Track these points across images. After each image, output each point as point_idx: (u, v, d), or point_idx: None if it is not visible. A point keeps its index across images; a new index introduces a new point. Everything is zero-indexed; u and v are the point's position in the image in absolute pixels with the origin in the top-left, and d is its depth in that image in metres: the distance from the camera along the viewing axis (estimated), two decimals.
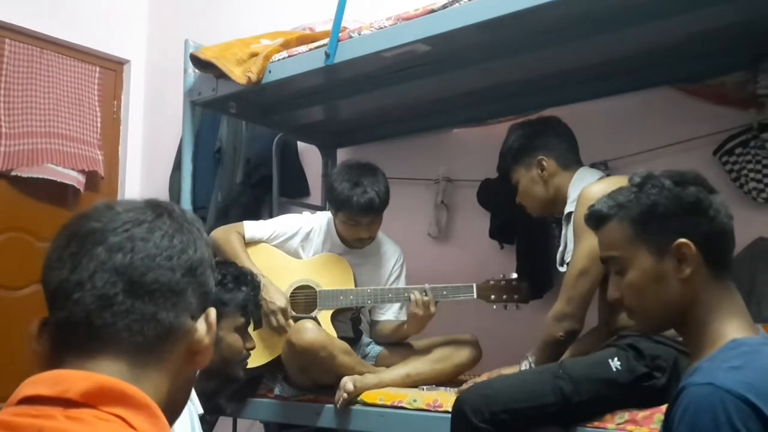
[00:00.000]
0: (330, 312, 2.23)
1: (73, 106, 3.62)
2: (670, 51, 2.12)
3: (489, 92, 2.50)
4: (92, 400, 0.63)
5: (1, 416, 0.63)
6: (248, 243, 2.30)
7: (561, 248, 1.88)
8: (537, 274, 2.40)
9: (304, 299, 2.26)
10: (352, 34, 2.10)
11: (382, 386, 2.05)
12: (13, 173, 3.34)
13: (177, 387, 0.74)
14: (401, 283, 2.33)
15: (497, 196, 2.54)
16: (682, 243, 1.07)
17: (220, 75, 2.36)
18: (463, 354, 2.17)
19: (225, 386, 2.13)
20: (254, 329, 2.03)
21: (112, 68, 3.89)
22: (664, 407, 1.20)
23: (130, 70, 3.94)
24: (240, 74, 2.27)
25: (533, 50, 2.08)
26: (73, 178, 3.52)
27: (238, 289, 1.68)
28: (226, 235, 2.27)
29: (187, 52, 2.46)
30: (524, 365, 1.82)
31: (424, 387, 2.08)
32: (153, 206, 0.76)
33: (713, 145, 2.19)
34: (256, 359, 2.14)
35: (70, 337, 0.69)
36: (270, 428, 2.75)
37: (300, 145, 3.21)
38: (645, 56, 2.16)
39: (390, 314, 2.32)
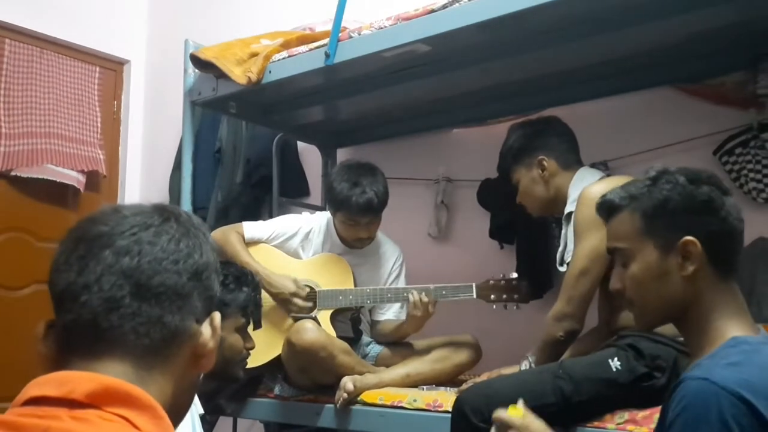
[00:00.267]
0: (330, 312, 2.23)
1: (73, 106, 3.62)
2: (670, 51, 2.12)
3: (489, 92, 2.50)
4: (97, 400, 0.64)
5: (6, 417, 0.63)
6: (248, 243, 2.31)
7: (561, 248, 1.88)
8: (537, 274, 2.40)
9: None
10: (352, 34, 2.10)
11: (382, 386, 2.05)
12: (13, 173, 3.34)
13: (181, 390, 0.74)
14: (401, 283, 2.33)
15: (497, 196, 2.54)
16: (688, 240, 1.07)
17: (220, 75, 2.36)
18: (463, 354, 2.17)
19: (225, 386, 2.13)
20: (254, 329, 2.03)
21: (112, 68, 3.88)
22: None
23: (130, 70, 3.94)
24: (240, 74, 2.27)
25: (533, 50, 2.09)
26: (73, 178, 3.51)
27: (240, 290, 1.68)
28: (226, 235, 2.28)
29: (187, 52, 2.46)
30: (524, 365, 1.82)
31: (424, 387, 2.08)
32: (160, 210, 0.76)
33: (713, 145, 2.19)
34: (256, 359, 2.14)
35: (76, 339, 0.70)
36: (270, 428, 2.75)
37: (300, 145, 3.21)
38: (645, 56, 2.16)
39: (390, 314, 2.32)
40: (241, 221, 2.40)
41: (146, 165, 3.92)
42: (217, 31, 3.13)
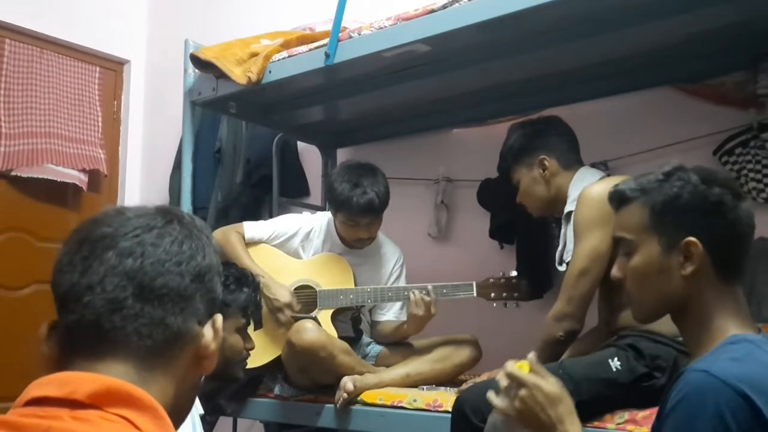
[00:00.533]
0: (330, 312, 2.23)
1: (74, 106, 3.62)
2: (670, 51, 2.12)
3: (489, 92, 2.50)
4: (99, 401, 0.64)
5: (8, 417, 0.63)
6: (248, 243, 2.31)
7: (560, 247, 1.88)
8: (537, 274, 2.40)
9: (305, 299, 2.26)
10: (352, 34, 2.10)
11: (382, 386, 2.06)
12: (13, 173, 3.34)
13: (183, 391, 0.75)
14: (401, 284, 2.33)
15: (497, 196, 2.54)
16: (690, 241, 1.07)
17: (220, 75, 2.36)
18: (463, 354, 2.17)
19: (225, 386, 2.14)
20: (254, 330, 2.03)
21: (112, 68, 3.88)
22: None
23: (130, 70, 3.94)
24: (240, 74, 2.27)
25: (533, 50, 2.09)
26: (75, 177, 3.51)
27: (240, 291, 1.69)
28: (226, 235, 2.28)
29: (187, 52, 2.46)
30: None
31: (424, 387, 2.08)
32: (163, 212, 0.77)
33: (713, 145, 2.19)
34: (256, 359, 2.14)
35: (79, 339, 0.70)
36: (270, 428, 2.75)
37: (300, 145, 3.21)
38: (645, 56, 2.16)
39: (391, 314, 2.32)
40: (241, 221, 2.40)
41: (146, 165, 3.92)
42: (217, 31, 3.13)
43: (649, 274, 1.12)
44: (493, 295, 2.09)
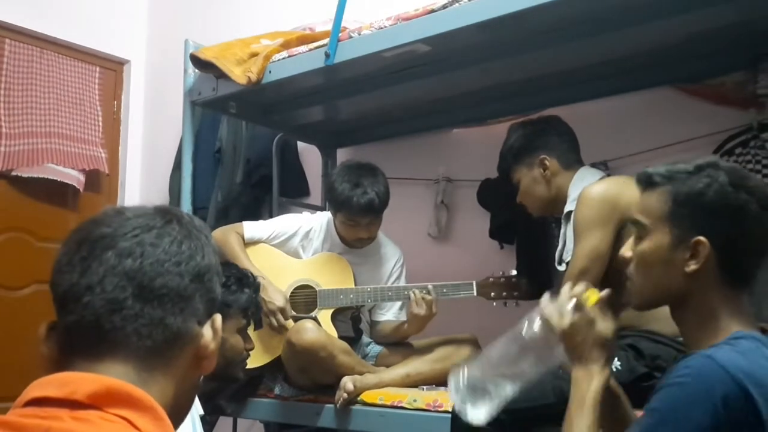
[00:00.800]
0: (330, 311, 2.23)
1: (74, 106, 3.61)
2: (670, 51, 2.12)
3: (489, 92, 2.50)
4: (98, 401, 0.64)
5: (8, 417, 0.63)
6: (248, 243, 2.31)
7: (560, 247, 1.88)
8: (537, 274, 2.39)
9: (304, 299, 2.26)
10: (352, 34, 2.10)
11: (382, 386, 2.06)
12: (14, 173, 3.34)
13: (182, 391, 0.75)
14: (401, 284, 2.33)
15: (497, 196, 2.54)
16: (699, 241, 1.05)
17: (220, 75, 2.36)
18: (463, 353, 2.16)
19: (225, 386, 2.14)
20: (254, 330, 2.03)
21: (112, 68, 3.88)
22: None
23: (130, 70, 3.94)
24: (240, 74, 2.27)
25: (533, 50, 2.09)
26: (73, 177, 3.51)
27: (241, 292, 1.69)
28: (226, 235, 2.27)
29: (187, 52, 2.46)
30: None
31: (424, 387, 2.08)
32: (162, 212, 0.77)
33: (713, 145, 2.18)
34: (256, 359, 2.14)
35: (79, 340, 0.70)
36: (270, 428, 2.75)
37: (300, 145, 3.21)
38: (645, 56, 2.16)
39: (390, 314, 2.32)
40: (241, 221, 2.40)
41: (146, 165, 3.92)
42: (217, 31, 3.12)
43: (654, 263, 1.11)
44: (493, 294, 2.09)
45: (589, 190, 1.73)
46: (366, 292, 2.22)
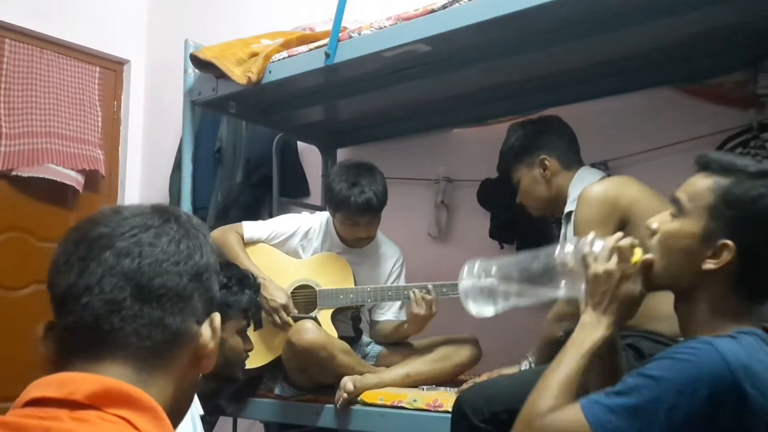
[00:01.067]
0: (330, 311, 2.23)
1: (74, 106, 3.61)
2: (670, 51, 2.12)
3: (489, 92, 2.50)
4: (98, 402, 0.64)
5: (8, 418, 0.63)
6: (247, 243, 2.31)
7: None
8: None
9: (304, 299, 2.26)
10: (352, 34, 2.10)
11: (382, 386, 2.06)
12: (13, 173, 3.34)
13: (182, 390, 0.74)
14: (401, 283, 2.33)
15: (497, 196, 2.54)
16: (727, 244, 1.03)
17: (220, 75, 2.36)
18: (463, 354, 2.17)
19: (225, 387, 2.13)
20: (254, 330, 2.03)
21: (112, 68, 3.88)
22: None
23: (130, 70, 3.94)
24: (240, 74, 2.27)
25: (533, 50, 2.08)
26: (72, 178, 3.51)
27: (242, 292, 1.69)
28: (225, 235, 2.27)
29: (187, 52, 2.46)
30: (524, 365, 1.82)
31: (424, 387, 2.09)
32: (160, 212, 0.76)
33: (713, 145, 2.18)
34: (256, 359, 2.14)
35: (77, 340, 0.70)
36: (270, 428, 2.75)
37: (300, 145, 3.21)
38: (645, 56, 2.16)
39: (390, 314, 2.32)
40: (240, 221, 2.40)
41: (146, 165, 3.92)
42: (217, 31, 3.13)
43: (676, 246, 1.09)
44: None
45: (589, 190, 1.73)
46: (366, 292, 2.22)
